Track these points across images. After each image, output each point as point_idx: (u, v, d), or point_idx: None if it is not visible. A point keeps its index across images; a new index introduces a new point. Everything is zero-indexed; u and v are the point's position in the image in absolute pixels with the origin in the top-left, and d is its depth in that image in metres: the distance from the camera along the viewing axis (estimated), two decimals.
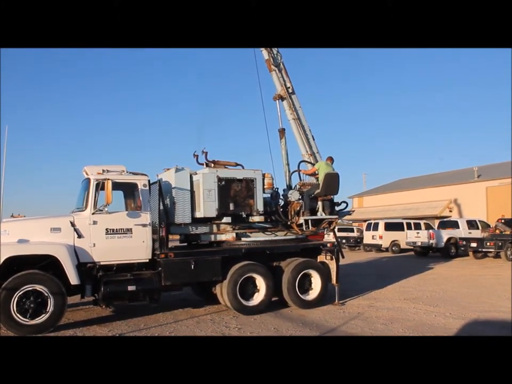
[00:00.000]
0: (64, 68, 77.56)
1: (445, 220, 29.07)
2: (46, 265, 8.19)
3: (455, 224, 26.13)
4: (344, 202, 11.88)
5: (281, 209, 10.73)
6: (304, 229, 10.73)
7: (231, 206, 9.80)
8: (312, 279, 10.37)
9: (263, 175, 10.36)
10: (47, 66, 77.63)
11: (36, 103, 77.63)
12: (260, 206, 10.12)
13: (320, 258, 10.97)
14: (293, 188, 11.39)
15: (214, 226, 10.16)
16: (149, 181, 9.28)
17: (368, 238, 29.18)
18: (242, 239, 10.19)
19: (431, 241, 24.88)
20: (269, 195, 10.81)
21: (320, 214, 10.98)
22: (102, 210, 8.62)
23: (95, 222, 8.62)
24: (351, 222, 43.33)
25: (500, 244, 21.68)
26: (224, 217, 9.87)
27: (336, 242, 11.17)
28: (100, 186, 8.65)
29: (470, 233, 25.28)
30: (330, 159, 11.59)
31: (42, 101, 78.44)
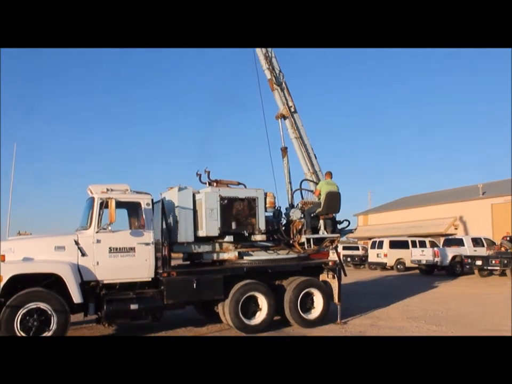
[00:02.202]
0: (67, 86, 78.53)
1: (449, 237, 28.96)
2: (50, 283, 8.29)
3: (460, 242, 26.02)
4: (346, 220, 11.93)
5: (283, 228, 10.82)
6: (306, 248, 10.79)
7: (233, 225, 9.88)
8: (314, 297, 10.39)
9: (265, 194, 10.48)
10: (48, 84, 78.66)
11: (42, 118, 78.54)
12: (261, 225, 10.21)
13: (322, 277, 11.01)
14: (295, 206, 11.48)
15: (217, 245, 10.23)
16: (152, 199, 9.41)
17: (373, 256, 29.09)
18: (245, 257, 10.26)
19: (436, 259, 24.76)
20: (271, 214, 10.91)
21: (322, 233, 11.04)
22: (105, 229, 8.74)
23: (98, 241, 8.73)
24: (356, 240, 43.28)
25: (506, 261, 21.50)
26: (227, 236, 9.95)
27: (338, 261, 11.21)
28: (104, 205, 8.79)
29: (475, 250, 25.13)
30: (329, 174, 11.62)
31: (47, 116, 79.36)
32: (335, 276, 10.78)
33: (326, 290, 10.56)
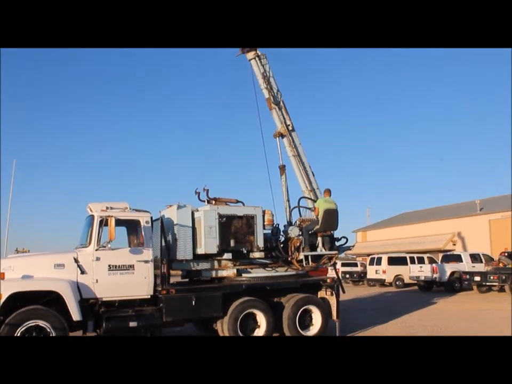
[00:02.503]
0: (66, 104, 79.07)
1: (448, 253, 28.99)
2: (50, 300, 8.33)
3: (458, 258, 26.05)
4: (344, 237, 11.98)
5: (281, 245, 10.90)
6: (304, 265, 10.83)
7: (232, 242, 9.96)
8: (312, 314, 10.43)
9: (264, 212, 10.57)
10: (49, 102, 79.17)
11: (42, 136, 78.91)
12: (260, 242, 10.28)
13: (321, 293, 11.06)
14: (293, 224, 11.56)
15: (215, 263, 10.29)
16: (151, 217, 9.49)
17: (371, 272, 29.04)
18: (243, 275, 10.33)
19: (434, 275, 24.77)
20: (270, 231, 10.99)
21: (320, 250, 11.11)
22: (105, 247, 8.81)
23: (98, 258, 8.79)
24: (354, 256, 43.23)
25: (504, 277, 21.52)
26: (225, 254, 10.02)
27: (336, 278, 11.27)
28: (104, 223, 8.87)
29: (473, 266, 25.15)
30: (328, 191, 11.72)
31: (48, 134, 79.77)
32: (333, 292, 10.84)
33: (324, 307, 10.60)
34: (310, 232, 11.05)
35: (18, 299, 8.13)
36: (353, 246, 14.23)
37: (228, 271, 10.29)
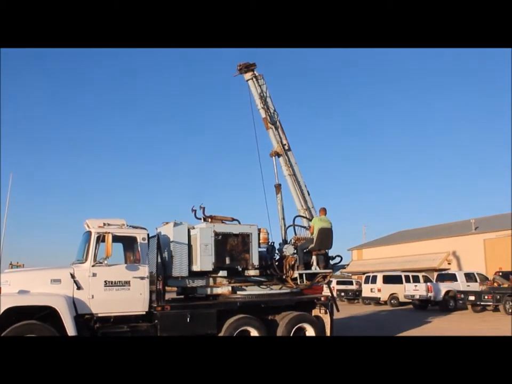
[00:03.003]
0: (65, 123, 79.46)
1: (442, 272, 29.06)
2: (45, 315, 8.38)
3: (453, 277, 26.10)
4: (338, 256, 12.10)
5: (276, 263, 10.99)
6: (299, 283, 10.93)
7: (227, 260, 10.07)
8: (306, 332, 10.49)
9: (259, 230, 10.70)
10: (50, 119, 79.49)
11: (39, 154, 79.04)
12: (255, 260, 10.38)
13: (315, 312, 11.14)
14: (288, 242, 11.68)
15: (210, 280, 10.37)
16: (148, 234, 9.60)
17: (366, 291, 29.04)
18: (238, 292, 10.41)
19: (429, 294, 24.79)
20: (265, 249, 11.10)
21: (315, 268, 11.21)
22: (101, 263, 8.89)
23: (94, 274, 8.88)
24: (350, 274, 43.19)
25: (498, 297, 21.60)
26: (220, 271, 10.13)
27: (330, 296, 11.36)
28: (101, 239, 8.97)
29: (468, 286, 25.20)
30: (324, 210, 11.88)
31: (45, 152, 79.93)
32: (327, 311, 10.91)
33: (318, 325, 10.68)
34: (304, 251, 11.17)
35: (15, 313, 8.17)
36: (347, 265, 14.34)
37: (223, 289, 10.38)
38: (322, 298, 11.12)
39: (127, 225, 9.59)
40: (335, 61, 79.27)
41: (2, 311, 7.96)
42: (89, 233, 9.24)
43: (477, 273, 26.76)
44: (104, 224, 9.31)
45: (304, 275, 10.98)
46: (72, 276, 8.77)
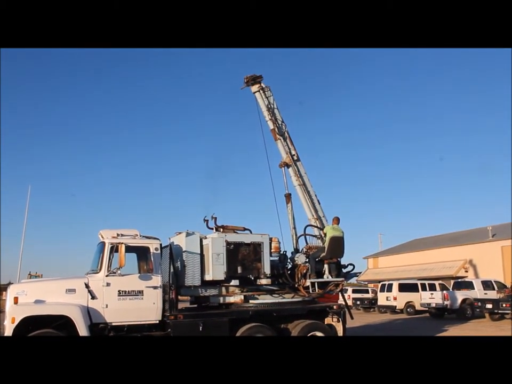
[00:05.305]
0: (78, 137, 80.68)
1: (459, 280, 28.73)
2: (60, 324, 8.55)
3: (470, 285, 25.78)
4: (351, 264, 12.09)
5: (288, 272, 11.04)
6: (311, 291, 10.95)
7: (239, 269, 10.16)
8: None
9: (270, 239, 10.79)
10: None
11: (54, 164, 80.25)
12: (267, 269, 10.46)
13: (327, 320, 11.13)
14: (300, 251, 11.72)
15: (223, 289, 10.46)
16: (160, 244, 9.76)
17: (382, 299, 28.82)
18: (250, 301, 10.49)
19: (445, 302, 24.49)
20: (277, 258, 11.17)
21: (327, 277, 11.22)
22: (115, 273, 9.06)
23: (108, 284, 9.05)
24: (366, 282, 42.89)
25: None
26: (233, 280, 10.23)
27: (343, 304, 11.35)
28: (114, 249, 9.15)
29: (485, 294, 24.84)
30: (337, 219, 11.88)
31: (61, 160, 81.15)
32: (340, 319, 10.91)
33: (330, 333, 10.66)
34: (316, 259, 11.20)
35: (31, 323, 8.36)
36: (360, 273, 14.31)
37: (235, 297, 10.46)
38: (335, 307, 11.12)
39: (140, 236, 9.75)
40: (351, 72, 79.05)
41: (19, 320, 8.17)
42: (103, 243, 9.42)
43: (495, 281, 26.39)
44: (118, 234, 9.49)
45: (316, 284, 11.00)
46: (87, 286, 8.96)
